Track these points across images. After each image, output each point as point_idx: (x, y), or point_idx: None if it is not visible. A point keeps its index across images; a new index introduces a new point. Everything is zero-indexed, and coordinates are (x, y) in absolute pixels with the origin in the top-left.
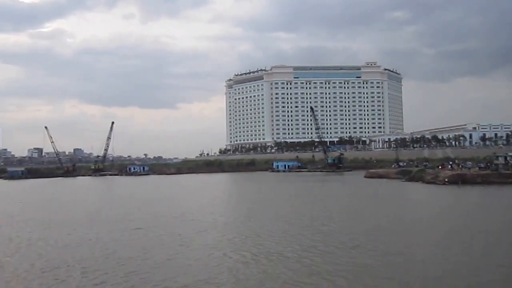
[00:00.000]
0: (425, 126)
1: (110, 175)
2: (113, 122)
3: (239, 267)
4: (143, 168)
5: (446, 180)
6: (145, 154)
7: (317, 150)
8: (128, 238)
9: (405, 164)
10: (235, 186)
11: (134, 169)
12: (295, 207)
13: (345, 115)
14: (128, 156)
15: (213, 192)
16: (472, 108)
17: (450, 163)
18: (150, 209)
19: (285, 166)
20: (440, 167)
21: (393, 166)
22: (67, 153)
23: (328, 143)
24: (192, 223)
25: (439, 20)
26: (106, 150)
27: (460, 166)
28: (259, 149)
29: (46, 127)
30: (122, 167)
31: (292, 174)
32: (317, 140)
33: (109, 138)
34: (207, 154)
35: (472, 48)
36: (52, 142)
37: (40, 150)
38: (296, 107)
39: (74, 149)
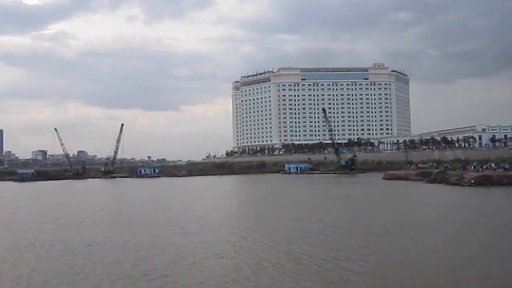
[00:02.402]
0: (430, 127)
1: (121, 177)
2: (122, 124)
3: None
4: (154, 170)
5: (472, 181)
6: (149, 156)
7: (325, 152)
8: (195, 243)
9: (424, 165)
10: (257, 188)
11: (144, 171)
12: (348, 213)
13: (353, 116)
14: (132, 158)
15: (240, 195)
16: (476, 109)
17: (474, 164)
18: (189, 212)
19: (297, 168)
20: (462, 168)
21: (411, 167)
22: (71, 155)
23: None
24: (241, 228)
25: (443, 21)
26: (116, 152)
27: (485, 167)
28: (266, 151)
29: (55, 129)
30: (133, 169)
31: (305, 176)
32: (326, 141)
33: (118, 140)
34: (214, 156)
35: (476, 49)
36: (62, 144)
37: (44, 152)
38: (304, 108)
39: (78, 151)
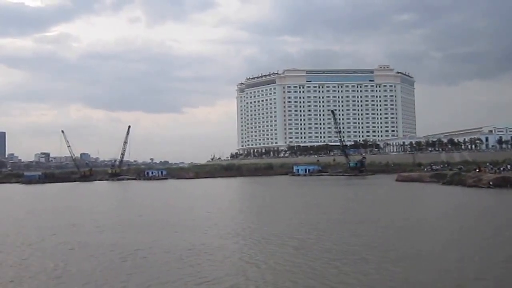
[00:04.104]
0: (434, 129)
1: (128, 179)
2: (129, 126)
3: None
4: (161, 172)
5: (491, 183)
6: (152, 159)
7: (332, 153)
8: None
9: (439, 167)
10: (274, 191)
11: (152, 173)
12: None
13: (358, 118)
14: (135, 161)
15: (261, 197)
16: (480, 111)
17: (490, 166)
18: (220, 215)
19: (305, 170)
20: (477, 170)
21: (425, 169)
22: (73, 157)
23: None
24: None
25: (446, 23)
26: (122, 154)
27: (502, 169)
28: (272, 153)
29: (62, 131)
30: (140, 172)
31: (315, 178)
32: (331, 143)
33: (125, 142)
34: (219, 158)
35: (479, 51)
36: (69, 146)
37: (47, 155)
38: (309, 110)
39: (80, 154)
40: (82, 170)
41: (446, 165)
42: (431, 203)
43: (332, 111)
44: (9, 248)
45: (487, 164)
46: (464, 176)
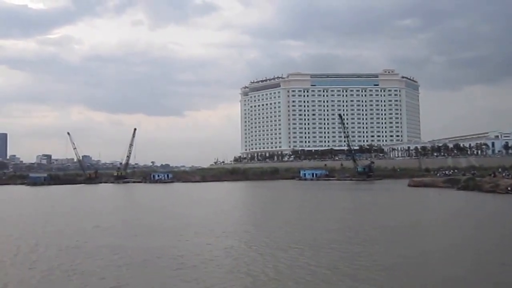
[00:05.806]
0: (438, 134)
1: (134, 182)
2: (135, 129)
3: None
4: (167, 175)
5: (509, 188)
6: (153, 162)
7: (336, 158)
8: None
9: (451, 172)
10: (292, 196)
11: (158, 176)
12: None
13: (363, 123)
14: (136, 164)
15: (284, 203)
16: (483, 116)
17: (506, 171)
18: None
19: (312, 174)
20: (492, 175)
21: (437, 174)
22: (75, 160)
23: (345, 151)
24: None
25: (449, 28)
26: (128, 157)
27: None
28: (275, 157)
29: (68, 133)
30: (146, 174)
31: (323, 183)
32: (336, 148)
33: (131, 145)
34: (222, 162)
35: (482, 56)
36: (75, 148)
37: (49, 157)
38: (313, 114)
39: (82, 156)
40: (87, 172)
41: (455, 170)
42: (460, 209)
43: (340, 115)
44: (64, 251)
45: (499, 169)
46: (480, 181)
